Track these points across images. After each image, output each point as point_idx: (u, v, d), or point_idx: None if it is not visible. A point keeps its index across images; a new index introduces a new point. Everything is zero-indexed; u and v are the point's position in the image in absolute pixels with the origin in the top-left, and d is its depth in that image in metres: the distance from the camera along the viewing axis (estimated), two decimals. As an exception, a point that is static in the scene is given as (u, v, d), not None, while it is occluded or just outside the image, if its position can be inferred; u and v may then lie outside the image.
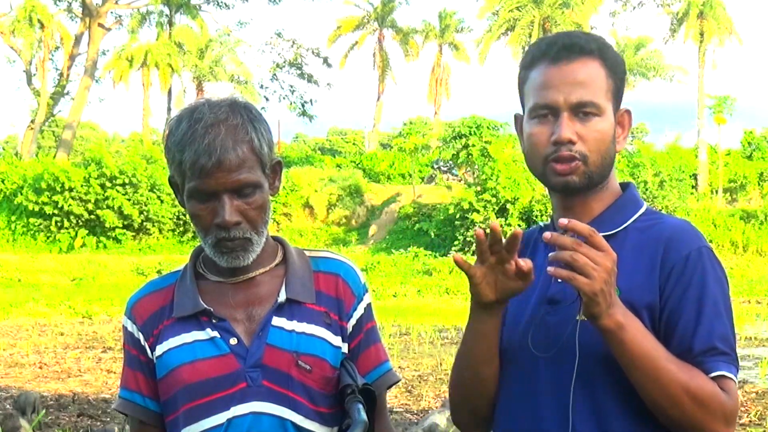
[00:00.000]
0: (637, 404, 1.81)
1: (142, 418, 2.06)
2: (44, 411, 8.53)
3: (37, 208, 33.85)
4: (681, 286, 1.83)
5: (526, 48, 2.05)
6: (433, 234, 32.26)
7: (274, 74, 48.66)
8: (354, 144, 69.24)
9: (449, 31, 54.58)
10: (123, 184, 33.91)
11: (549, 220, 2.04)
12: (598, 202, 1.93)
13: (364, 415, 1.91)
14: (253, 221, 1.95)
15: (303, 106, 48.21)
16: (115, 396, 3.27)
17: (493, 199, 30.25)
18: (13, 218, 34.76)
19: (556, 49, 1.89)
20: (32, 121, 45.16)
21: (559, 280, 1.86)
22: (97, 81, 46.17)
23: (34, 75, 46.24)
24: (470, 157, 34.19)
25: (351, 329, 2.05)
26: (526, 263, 1.78)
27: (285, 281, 2.02)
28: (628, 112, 1.97)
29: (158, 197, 34.24)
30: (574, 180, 1.88)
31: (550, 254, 1.74)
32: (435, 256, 29.09)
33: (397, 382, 2.17)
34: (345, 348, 2.04)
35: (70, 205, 33.52)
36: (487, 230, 1.78)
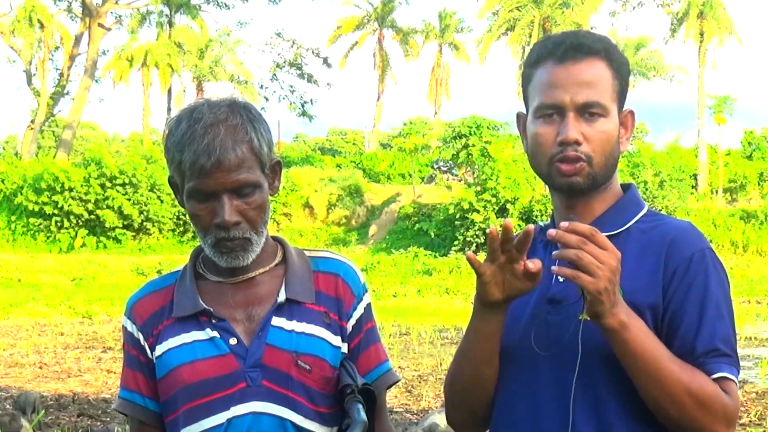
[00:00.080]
0: (638, 404, 1.81)
1: (141, 418, 2.05)
2: (44, 411, 8.53)
3: (37, 208, 33.87)
4: (684, 287, 1.83)
5: (530, 46, 2.04)
6: (433, 234, 32.27)
7: (274, 74, 48.66)
8: (354, 144, 69.26)
9: (449, 31, 54.60)
10: (123, 184, 33.93)
11: (549, 219, 2.03)
12: (601, 202, 1.93)
13: (363, 415, 1.91)
14: (253, 221, 1.95)
15: (303, 106, 48.21)
16: (115, 396, 3.27)
17: (493, 199, 30.26)
18: (13, 218, 34.77)
19: (564, 49, 1.88)
20: (32, 121, 45.16)
21: (561, 280, 1.86)
22: (97, 81, 46.18)
23: (34, 75, 46.25)
24: (470, 157, 34.20)
25: (351, 329, 2.05)
26: (535, 264, 1.77)
27: (285, 281, 2.02)
28: (631, 112, 1.97)
29: (158, 197, 34.25)
30: (578, 181, 1.87)
31: (554, 252, 1.74)
32: (435, 256, 29.09)
33: (397, 382, 2.17)
34: (345, 348, 2.04)
35: (70, 205, 33.54)
36: (499, 228, 1.78)
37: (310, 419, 1.98)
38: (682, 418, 1.77)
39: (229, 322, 1.99)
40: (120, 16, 47.11)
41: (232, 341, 1.97)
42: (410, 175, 38.21)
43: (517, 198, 30.15)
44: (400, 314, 17.03)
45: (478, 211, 30.18)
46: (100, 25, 44.23)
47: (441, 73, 54.87)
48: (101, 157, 34.72)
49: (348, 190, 37.27)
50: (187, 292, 2.02)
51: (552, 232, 1.72)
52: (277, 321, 1.98)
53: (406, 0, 79.02)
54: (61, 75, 45.95)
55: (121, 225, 34.05)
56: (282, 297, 2.00)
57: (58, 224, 34.02)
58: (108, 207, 33.69)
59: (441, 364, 11.20)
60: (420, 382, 10.33)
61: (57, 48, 46.57)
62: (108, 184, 33.83)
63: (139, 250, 33.61)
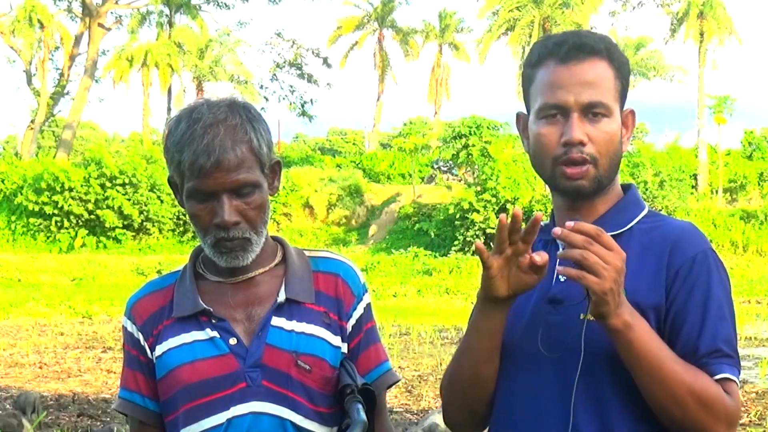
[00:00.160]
0: (640, 405, 1.81)
1: (141, 419, 2.05)
2: (44, 411, 8.53)
3: (37, 208, 33.88)
4: (687, 288, 1.83)
5: (531, 46, 2.02)
6: (433, 234, 32.27)
7: (274, 74, 48.66)
8: (354, 144, 69.25)
9: (449, 31, 54.61)
10: (123, 184, 33.94)
11: (549, 219, 2.03)
12: (603, 203, 1.93)
13: (363, 415, 1.90)
14: (252, 221, 1.95)
15: (303, 106, 48.19)
16: (115, 396, 3.27)
17: (493, 199, 30.26)
18: (13, 218, 34.78)
19: (566, 49, 1.87)
20: (32, 121, 45.16)
21: (562, 280, 1.85)
22: (97, 81, 46.19)
23: (34, 75, 46.26)
24: (470, 157, 34.22)
25: (350, 329, 2.05)
26: (541, 256, 1.77)
27: (284, 281, 2.02)
28: (632, 112, 1.96)
29: (158, 197, 34.26)
30: (584, 185, 1.87)
31: (559, 252, 1.74)
32: (435, 256, 29.10)
33: (397, 382, 2.16)
34: (344, 348, 2.04)
35: (70, 205, 33.54)
36: (508, 220, 1.77)
37: (310, 419, 1.98)
38: (685, 418, 1.77)
39: (228, 322, 1.99)
40: (120, 16, 47.17)
41: (232, 341, 1.97)
42: (410, 175, 38.21)
43: (517, 198, 30.15)
44: (400, 314, 17.03)
45: (478, 211, 30.19)
46: (100, 25, 44.23)
47: (441, 73, 54.88)
48: (101, 157, 34.73)
49: (348, 190, 37.27)
50: (187, 292, 2.02)
51: (557, 230, 1.71)
52: (276, 321, 1.98)
53: (406, 0, 79.05)
54: (61, 75, 45.96)
55: (121, 225, 34.06)
56: (282, 297, 2.00)
57: (58, 224, 34.02)
58: (108, 207, 33.70)
59: (441, 364, 11.20)
60: (420, 382, 10.34)
61: (57, 48, 46.59)
62: (108, 184, 33.84)
63: (139, 250, 33.61)
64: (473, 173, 35.28)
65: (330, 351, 2.01)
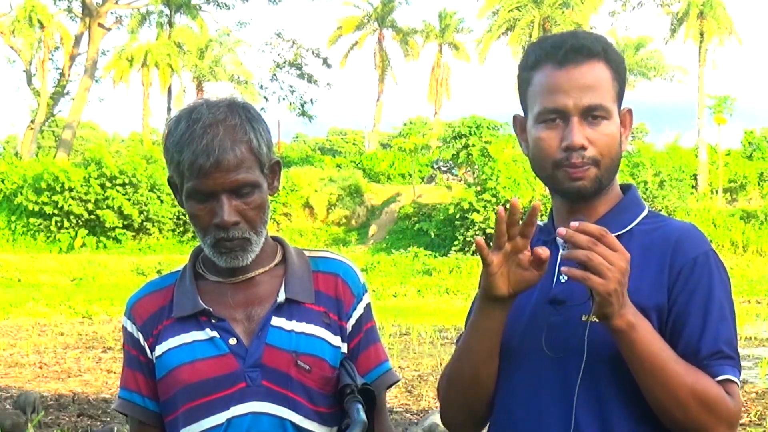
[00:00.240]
0: (641, 406, 1.81)
1: (141, 419, 2.05)
2: (44, 411, 8.53)
3: (37, 208, 33.88)
4: (689, 289, 1.83)
5: (526, 48, 2.01)
6: (433, 234, 32.28)
7: (274, 74, 48.66)
8: (354, 144, 69.24)
9: (449, 31, 54.61)
10: (123, 184, 33.94)
11: (547, 219, 2.02)
12: (604, 204, 1.93)
13: (363, 415, 1.90)
14: (252, 221, 1.95)
15: (303, 106, 48.18)
16: (115, 396, 3.27)
17: (493, 199, 30.27)
18: (13, 218, 34.78)
19: (563, 52, 1.86)
20: (32, 121, 45.16)
21: (563, 280, 1.85)
22: (97, 81, 46.19)
23: (34, 75, 46.26)
24: (470, 157, 34.23)
25: (350, 329, 2.05)
26: (543, 251, 1.76)
27: (284, 281, 2.02)
28: (629, 111, 1.96)
29: (158, 197, 34.27)
30: (585, 185, 1.87)
31: (563, 252, 1.74)
32: (435, 256, 29.10)
33: (397, 381, 2.16)
34: (344, 348, 2.04)
35: (70, 205, 33.55)
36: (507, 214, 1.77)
37: (309, 419, 1.98)
38: (686, 420, 1.77)
39: (228, 322, 1.99)
40: (120, 16, 47.17)
41: (232, 341, 1.97)
42: (410, 175, 38.22)
43: (517, 198, 30.15)
44: (400, 314, 17.03)
45: (478, 211, 30.20)
46: (100, 25, 44.23)
47: (441, 73, 54.88)
48: (101, 157, 34.73)
49: (348, 190, 37.28)
50: (187, 292, 2.02)
51: (562, 231, 1.71)
52: (276, 321, 1.98)
53: (406, 0, 79.08)
54: (61, 75, 45.96)
55: (121, 225, 34.06)
56: (282, 297, 2.00)
57: (58, 224, 34.03)
58: (108, 207, 33.71)
59: (441, 364, 11.20)
60: (420, 382, 10.34)
61: (57, 48, 46.59)
62: (108, 184, 33.84)
63: (139, 250, 33.62)
64: (473, 173, 35.29)
65: (330, 351, 2.01)
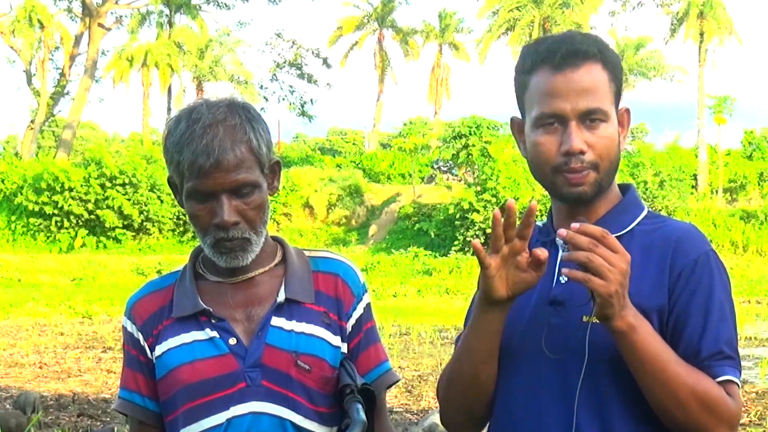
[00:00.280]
0: (641, 407, 1.81)
1: (141, 419, 2.06)
2: (44, 411, 8.53)
3: (37, 208, 33.88)
4: (689, 290, 1.83)
5: (521, 50, 2.00)
6: (433, 234, 32.28)
7: (274, 74, 48.66)
8: (354, 144, 69.24)
9: (449, 31, 54.61)
10: (123, 184, 33.94)
11: (546, 219, 2.02)
12: (603, 205, 1.92)
13: (363, 415, 1.91)
14: (252, 221, 1.95)
15: (302, 106, 48.18)
16: (115, 396, 3.28)
17: (493, 199, 30.26)
18: (13, 218, 34.78)
19: (560, 56, 1.85)
20: (32, 121, 45.16)
21: (563, 282, 1.85)
22: (97, 81, 46.19)
23: (34, 75, 46.25)
24: (470, 157, 34.23)
25: (350, 329, 2.05)
26: (542, 252, 1.75)
27: (284, 281, 2.02)
28: (627, 111, 1.96)
29: (158, 197, 34.27)
30: (586, 192, 1.86)
31: (563, 254, 1.73)
32: (435, 256, 29.10)
33: (397, 381, 2.16)
34: (344, 348, 2.04)
35: (70, 205, 33.55)
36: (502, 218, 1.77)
37: (309, 419, 1.98)
38: (687, 420, 1.77)
39: (228, 322, 1.99)
40: (120, 16, 47.16)
41: (232, 341, 1.97)
42: (410, 175, 38.22)
43: (517, 198, 30.16)
44: (400, 314, 17.03)
45: (478, 211, 30.20)
46: (100, 25, 44.23)
47: (441, 73, 54.89)
48: (101, 157, 34.74)
49: (348, 190, 37.28)
50: (187, 292, 2.02)
51: (563, 232, 1.71)
52: (276, 321, 1.98)
53: (406, 0, 79.09)
54: (61, 75, 45.96)
55: (121, 225, 34.06)
56: (281, 297, 2.00)
57: (58, 224, 34.03)
58: (108, 207, 33.71)
59: (441, 364, 11.20)
60: (420, 382, 10.34)
61: (57, 48, 46.58)
62: (108, 184, 33.85)
63: (139, 250, 33.62)
64: (473, 173, 35.29)
65: (330, 351, 2.01)
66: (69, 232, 34.06)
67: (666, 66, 47.18)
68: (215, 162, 1.88)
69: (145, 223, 34.36)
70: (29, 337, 14.52)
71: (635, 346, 1.74)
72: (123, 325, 2.10)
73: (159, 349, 2.01)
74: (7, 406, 8.90)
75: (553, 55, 1.86)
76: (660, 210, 28.96)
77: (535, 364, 1.87)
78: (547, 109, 1.85)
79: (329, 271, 2.07)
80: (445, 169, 42.49)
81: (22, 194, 34.30)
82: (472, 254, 1.87)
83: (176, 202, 2.03)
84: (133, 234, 34.57)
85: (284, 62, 48.33)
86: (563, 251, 1.77)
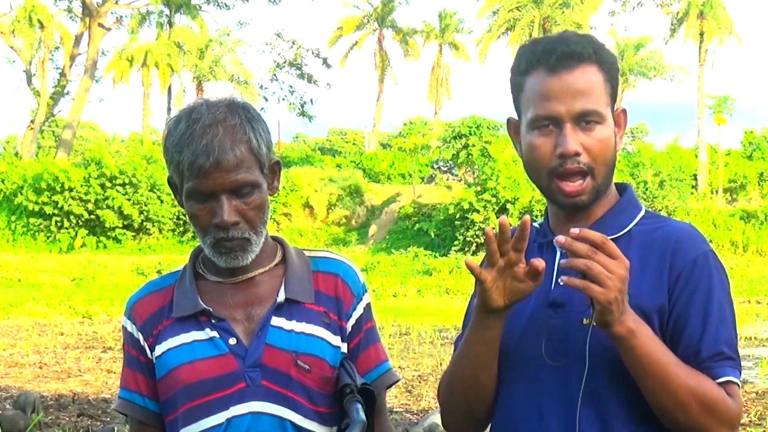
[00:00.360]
0: (641, 409, 1.81)
1: (141, 419, 2.06)
2: (44, 411, 8.53)
3: (37, 208, 33.89)
4: (689, 290, 1.83)
5: (517, 51, 2.00)
6: (433, 234, 32.28)
7: (274, 74, 48.66)
8: (354, 144, 69.24)
9: (449, 31, 54.61)
10: (123, 184, 33.94)
11: (543, 219, 2.02)
12: (601, 206, 1.92)
13: (362, 415, 1.91)
14: (252, 221, 1.95)
15: (302, 106, 48.19)
16: (115, 396, 3.28)
17: (493, 199, 30.27)
18: (13, 218, 34.78)
19: (555, 58, 1.85)
20: (32, 121, 45.16)
21: (561, 283, 1.85)
22: (97, 81, 46.19)
23: (34, 75, 46.26)
24: (470, 157, 34.23)
25: (350, 329, 2.05)
26: (540, 262, 1.75)
27: (284, 281, 2.02)
28: (624, 111, 1.95)
29: (158, 197, 34.27)
30: (583, 201, 1.86)
31: (562, 261, 1.72)
32: (435, 256, 29.09)
33: (397, 381, 2.16)
34: (344, 348, 2.04)
35: (70, 205, 33.55)
36: (496, 230, 1.76)
37: (309, 419, 1.98)
38: (688, 422, 1.77)
39: (228, 322, 1.99)
40: (120, 16, 47.17)
41: (232, 341, 1.97)
42: (410, 175, 38.22)
43: (517, 198, 30.16)
44: (400, 314, 17.03)
45: (478, 211, 30.19)
46: (100, 25, 44.23)
47: (441, 73, 54.88)
48: (101, 157, 34.73)
49: (348, 190, 37.28)
50: (187, 292, 2.02)
51: (561, 239, 1.70)
52: (276, 321, 1.98)
53: (406, 0, 79.10)
54: (61, 75, 45.96)
55: (121, 225, 34.06)
56: (281, 297, 2.00)
57: (58, 224, 34.03)
58: (108, 207, 33.71)
59: (441, 364, 11.20)
60: (420, 382, 10.34)
61: (57, 48, 46.58)
62: (108, 184, 33.85)
63: (139, 250, 33.62)
64: (473, 173, 35.29)
65: (330, 351, 2.01)
66: (69, 232, 34.06)
67: (666, 66, 47.15)
68: (215, 162, 1.88)
69: (145, 223, 34.36)
70: (29, 337, 14.52)
71: (635, 351, 1.74)
72: (123, 325, 2.10)
73: (159, 349, 2.01)
74: (7, 406, 8.89)
75: (548, 56, 1.86)
76: (660, 210, 28.95)
77: (534, 367, 1.87)
78: (542, 111, 1.85)
79: (329, 271, 2.07)
80: (445, 169, 42.50)
81: (22, 194, 34.30)
82: (473, 254, 1.86)
83: (176, 202, 2.03)
84: (133, 234, 34.57)
85: (284, 62, 48.35)
86: (561, 253, 1.76)
